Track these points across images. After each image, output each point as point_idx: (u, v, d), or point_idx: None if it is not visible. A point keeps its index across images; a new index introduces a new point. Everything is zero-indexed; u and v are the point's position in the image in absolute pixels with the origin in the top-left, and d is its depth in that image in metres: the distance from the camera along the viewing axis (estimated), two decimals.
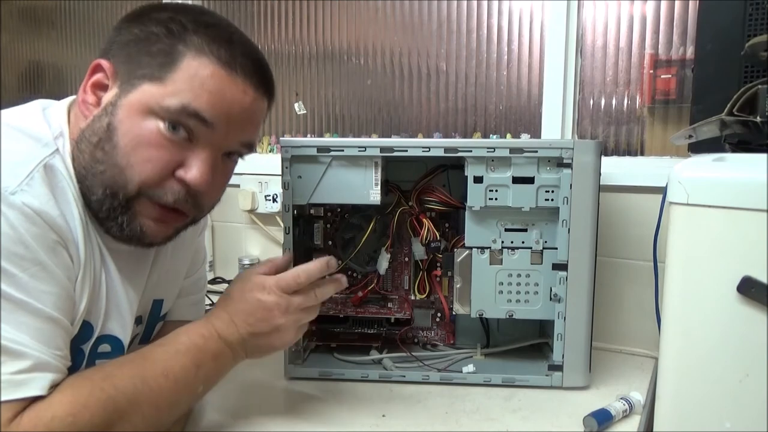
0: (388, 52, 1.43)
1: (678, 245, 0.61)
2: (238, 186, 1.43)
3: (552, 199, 0.87)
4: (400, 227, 0.99)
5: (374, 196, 0.89)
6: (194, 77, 0.61)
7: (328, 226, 1.03)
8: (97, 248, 0.66)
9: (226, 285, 1.45)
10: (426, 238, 0.96)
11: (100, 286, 0.66)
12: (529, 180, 0.87)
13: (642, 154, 1.20)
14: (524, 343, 1.01)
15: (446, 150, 0.87)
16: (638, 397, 0.83)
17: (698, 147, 0.84)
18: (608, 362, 1.02)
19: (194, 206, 0.66)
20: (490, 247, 0.91)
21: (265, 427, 0.79)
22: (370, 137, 1.46)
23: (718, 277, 0.58)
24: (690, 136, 0.79)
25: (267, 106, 0.70)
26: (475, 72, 1.34)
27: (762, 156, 0.61)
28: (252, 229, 1.48)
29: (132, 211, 0.63)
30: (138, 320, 0.75)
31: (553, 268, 0.90)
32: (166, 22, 0.63)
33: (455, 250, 0.93)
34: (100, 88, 0.64)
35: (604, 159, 0.88)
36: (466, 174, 0.89)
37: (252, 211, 1.45)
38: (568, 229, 0.87)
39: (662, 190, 0.71)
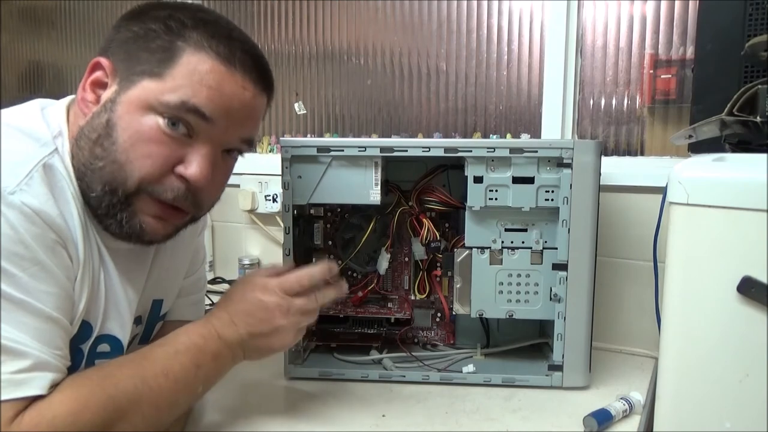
0: (388, 52, 1.43)
1: (678, 245, 0.61)
2: (238, 186, 1.43)
3: (552, 199, 0.87)
4: (400, 227, 0.99)
5: (374, 196, 0.89)
6: (193, 73, 0.61)
7: (328, 226, 1.03)
8: (96, 248, 0.66)
9: (226, 285, 1.45)
10: (426, 238, 0.96)
11: (99, 286, 0.66)
12: (529, 180, 0.87)
13: (642, 154, 1.20)
14: (524, 343, 1.01)
15: (446, 150, 0.87)
16: (638, 397, 0.83)
17: (698, 147, 0.84)
18: (608, 362, 1.02)
19: (194, 203, 0.66)
20: (490, 247, 0.91)
21: (265, 427, 0.79)
22: (370, 137, 1.46)
23: (718, 277, 0.58)
24: (690, 136, 0.79)
25: (266, 102, 0.70)
26: (475, 72, 1.34)
27: (762, 156, 0.61)
28: (252, 229, 1.48)
29: (132, 208, 0.63)
30: (137, 320, 0.75)
31: (553, 268, 0.90)
32: (164, 19, 0.63)
33: (455, 250, 0.93)
34: (100, 86, 0.64)
35: (604, 159, 0.88)
36: (466, 174, 0.89)
37: (252, 211, 1.45)
38: (568, 229, 0.87)
39: (662, 190, 0.71)
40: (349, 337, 1.02)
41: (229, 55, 0.63)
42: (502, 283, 0.91)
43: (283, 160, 0.89)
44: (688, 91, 1.12)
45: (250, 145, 0.69)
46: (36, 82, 2.07)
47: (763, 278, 0.56)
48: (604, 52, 1.21)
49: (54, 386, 0.57)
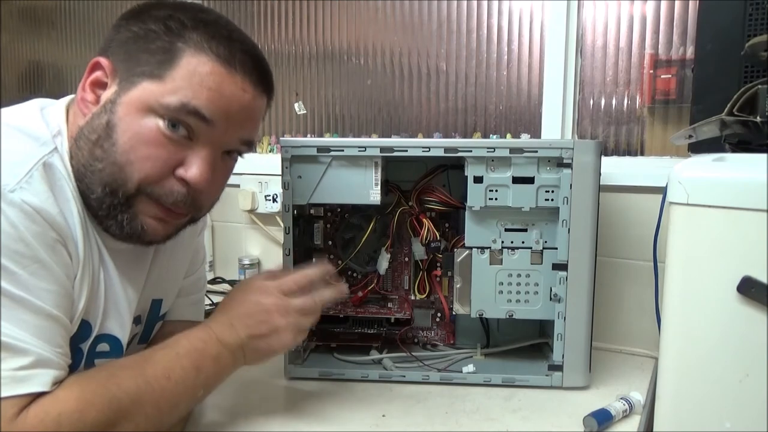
0: (388, 52, 1.43)
1: (678, 245, 0.61)
2: (238, 186, 1.43)
3: (552, 199, 0.87)
4: (400, 227, 0.99)
5: (374, 196, 0.89)
6: (193, 75, 0.61)
7: (328, 226, 1.03)
8: (96, 247, 0.66)
9: (226, 285, 1.45)
10: (426, 238, 0.96)
11: (99, 285, 0.66)
12: (529, 180, 0.87)
13: (642, 154, 1.20)
14: (524, 343, 1.01)
15: (446, 150, 0.87)
16: (638, 397, 0.83)
17: (698, 147, 0.84)
18: (608, 362, 1.02)
19: (193, 205, 0.66)
20: (490, 247, 0.91)
21: (265, 427, 0.79)
22: (370, 137, 1.46)
23: (718, 277, 0.58)
24: (690, 136, 0.79)
25: (266, 104, 0.70)
26: (475, 72, 1.34)
27: (762, 156, 0.61)
28: (252, 229, 1.48)
29: (132, 209, 0.63)
30: (137, 320, 0.75)
31: (553, 268, 0.90)
32: (164, 19, 0.63)
33: (455, 250, 0.93)
34: (99, 86, 0.64)
35: (604, 159, 0.88)
36: (466, 174, 0.89)
37: (252, 211, 1.45)
38: (568, 229, 0.87)
39: (662, 190, 0.71)
40: (349, 337, 1.02)
41: (229, 56, 0.63)
42: (502, 283, 0.91)
43: (283, 160, 0.89)
44: (688, 91, 1.12)
45: (249, 146, 0.69)
46: (36, 82, 2.07)
47: (763, 278, 0.56)
48: (604, 52, 1.21)
49: (56, 383, 0.57)
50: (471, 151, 0.87)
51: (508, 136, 1.32)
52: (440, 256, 0.98)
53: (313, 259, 1.02)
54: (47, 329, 0.57)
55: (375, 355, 0.98)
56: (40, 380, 0.55)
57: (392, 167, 0.97)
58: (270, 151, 1.58)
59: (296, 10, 1.53)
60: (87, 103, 0.64)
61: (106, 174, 0.61)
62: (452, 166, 0.97)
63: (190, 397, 0.67)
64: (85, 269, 0.63)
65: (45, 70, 2.05)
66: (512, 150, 0.86)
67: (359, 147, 0.88)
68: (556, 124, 1.22)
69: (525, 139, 1.29)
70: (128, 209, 0.63)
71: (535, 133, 1.27)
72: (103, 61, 0.64)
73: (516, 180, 0.87)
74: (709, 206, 0.58)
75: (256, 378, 0.93)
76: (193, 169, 0.63)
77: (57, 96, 0.70)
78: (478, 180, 0.88)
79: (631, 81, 1.20)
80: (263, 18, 1.57)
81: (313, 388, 0.91)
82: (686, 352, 0.61)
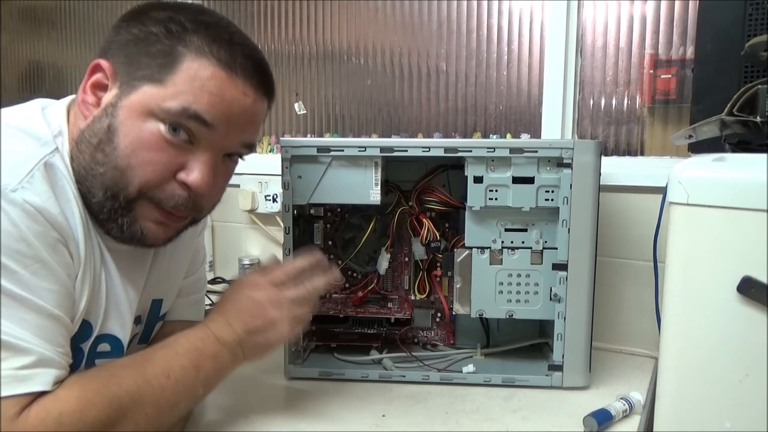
0: (388, 52, 1.43)
1: (678, 245, 0.61)
2: (238, 186, 1.43)
3: (552, 199, 0.87)
4: (400, 227, 0.99)
5: (374, 196, 0.89)
6: (194, 79, 0.61)
7: (328, 226, 1.03)
8: (97, 247, 0.66)
9: (226, 285, 1.45)
10: (426, 238, 0.96)
11: (100, 285, 0.66)
12: (529, 180, 0.87)
13: (642, 154, 1.20)
14: (524, 343, 1.01)
15: (446, 150, 0.87)
16: (638, 397, 0.83)
17: (698, 147, 0.84)
18: (608, 362, 1.02)
19: (194, 208, 0.66)
20: (490, 247, 0.91)
21: (265, 427, 0.79)
22: (370, 137, 1.46)
23: (718, 277, 0.58)
24: (690, 136, 0.79)
25: (267, 107, 0.70)
26: (475, 72, 1.34)
27: (762, 156, 0.61)
28: (252, 229, 1.48)
29: (133, 213, 0.63)
30: (137, 320, 0.75)
31: (553, 268, 0.90)
32: (165, 21, 0.63)
33: (455, 250, 0.93)
34: (100, 88, 0.64)
35: (604, 159, 0.88)
36: (466, 174, 0.89)
37: (252, 211, 1.45)
38: (568, 229, 0.87)
39: (662, 190, 0.71)
40: (349, 337, 1.02)
41: (230, 60, 0.62)
42: (502, 283, 0.91)
43: (283, 160, 0.89)
44: (688, 91, 1.12)
45: (250, 149, 0.69)
46: (36, 82, 2.07)
47: (763, 278, 0.56)
48: (604, 52, 1.21)
49: (57, 383, 0.57)
50: (471, 151, 0.87)
51: (508, 136, 1.32)
52: (440, 256, 0.98)
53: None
54: (48, 329, 0.57)
55: (375, 355, 0.98)
56: (41, 380, 0.55)
57: (392, 167, 0.97)
58: (270, 151, 1.58)
59: (296, 10, 1.53)
60: (88, 105, 0.64)
61: (108, 178, 0.62)
62: (452, 166, 0.97)
63: (189, 396, 0.67)
64: (86, 269, 0.63)
65: (45, 70, 2.05)
66: (512, 150, 0.86)
67: (359, 147, 0.88)
68: (556, 124, 1.22)
69: (525, 139, 1.29)
70: (129, 213, 0.63)
71: (535, 133, 1.27)
72: (104, 63, 0.64)
73: (516, 180, 0.88)
74: (709, 206, 0.58)
75: (256, 378, 0.93)
76: (195, 173, 0.63)
77: (57, 96, 0.70)
78: (478, 180, 0.88)
79: (631, 81, 1.20)
80: (263, 18, 1.57)
81: (313, 387, 0.91)
82: (686, 352, 0.61)
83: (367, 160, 0.88)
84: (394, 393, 0.90)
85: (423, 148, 0.88)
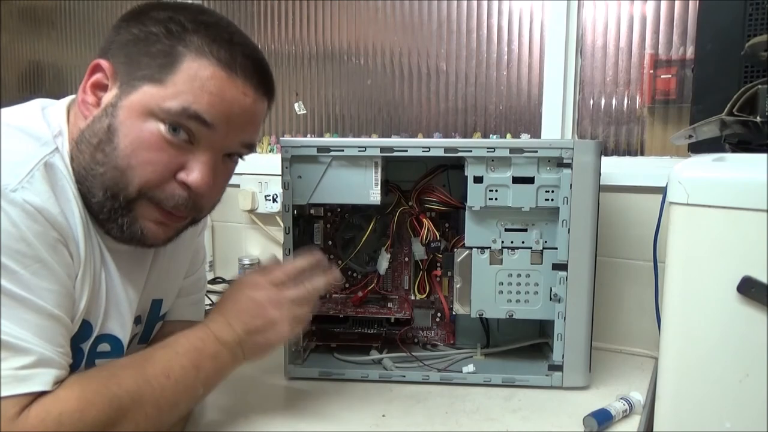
0: (388, 52, 1.43)
1: (678, 245, 0.61)
2: (238, 186, 1.43)
3: (552, 199, 0.87)
4: (400, 227, 0.99)
5: (374, 196, 0.89)
6: (194, 79, 0.61)
7: (328, 226, 1.03)
8: (97, 247, 0.66)
9: (226, 285, 1.45)
10: (426, 238, 0.96)
11: (101, 286, 0.66)
12: (529, 180, 0.87)
13: (642, 154, 1.20)
14: (524, 343, 1.01)
15: (446, 150, 0.87)
16: (638, 397, 0.83)
17: (698, 147, 0.84)
18: (608, 362, 1.02)
19: (194, 208, 0.66)
20: (490, 247, 0.91)
21: (265, 427, 0.79)
22: (370, 137, 1.46)
23: (718, 277, 0.58)
24: (690, 136, 0.79)
25: (267, 107, 0.70)
26: (475, 72, 1.34)
27: (762, 156, 0.61)
28: (252, 229, 1.48)
29: (133, 213, 0.63)
30: (137, 320, 0.75)
31: (553, 268, 0.90)
32: (165, 21, 0.63)
33: (455, 250, 0.93)
34: (100, 88, 0.64)
35: (604, 159, 0.88)
36: (466, 174, 0.89)
37: (252, 211, 1.45)
38: (568, 229, 0.87)
39: (662, 190, 0.71)
40: (349, 337, 1.02)
41: (230, 60, 0.62)
42: (502, 283, 0.91)
43: (283, 160, 0.89)
44: (688, 91, 1.12)
45: (250, 149, 0.69)
46: (36, 82, 2.07)
47: (763, 278, 0.56)
48: (604, 52, 1.21)
49: (57, 383, 0.57)
50: (471, 151, 0.87)
51: (508, 136, 1.32)
52: (440, 256, 0.98)
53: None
54: (49, 329, 0.57)
55: (375, 355, 0.98)
56: (41, 380, 0.55)
57: (392, 167, 0.97)
58: (270, 151, 1.58)
59: (296, 10, 1.53)
60: (88, 105, 0.64)
61: (108, 178, 0.62)
62: (452, 166, 0.97)
63: (189, 396, 0.67)
64: (86, 269, 0.63)
65: (45, 70, 2.05)
66: (512, 150, 0.86)
67: (359, 147, 0.88)
68: (556, 124, 1.22)
69: (525, 139, 1.29)
70: (129, 213, 0.63)
71: (535, 133, 1.27)
72: (104, 63, 0.64)
73: (516, 180, 0.88)
74: (709, 206, 0.58)
75: (256, 378, 0.93)
76: (195, 174, 0.63)
77: (57, 96, 0.70)
78: (478, 180, 0.88)
79: (631, 81, 1.20)
80: (263, 18, 1.57)
81: (313, 387, 0.91)
82: (686, 352, 0.61)
83: (367, 160, 0.88)
84: (394, 393, 0.90)
85: (423, 148, 0.88)
